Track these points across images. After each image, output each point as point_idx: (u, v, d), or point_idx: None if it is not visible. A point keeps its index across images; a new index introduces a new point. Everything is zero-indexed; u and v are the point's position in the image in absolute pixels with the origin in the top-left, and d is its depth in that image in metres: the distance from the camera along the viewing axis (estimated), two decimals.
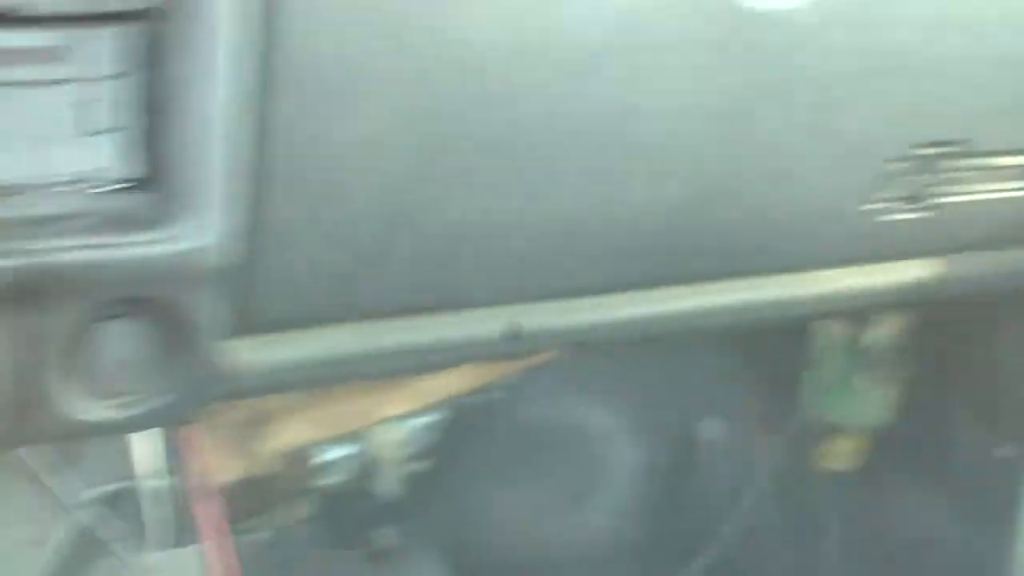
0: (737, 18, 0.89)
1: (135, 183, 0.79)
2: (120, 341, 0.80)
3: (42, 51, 0.75)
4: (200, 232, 0.77)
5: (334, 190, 0.84)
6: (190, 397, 0.83)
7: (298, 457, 1.27)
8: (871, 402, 1.48)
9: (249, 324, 0.84)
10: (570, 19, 0.84)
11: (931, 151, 1.02)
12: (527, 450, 1.52)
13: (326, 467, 1.33)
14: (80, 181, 0.79)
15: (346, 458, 1.34)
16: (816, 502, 1.54)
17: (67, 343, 0.78)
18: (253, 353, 0.87)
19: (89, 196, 0.80)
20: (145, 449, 1.03)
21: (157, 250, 0.77)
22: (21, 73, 0.74)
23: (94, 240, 0.76)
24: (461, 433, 1.39)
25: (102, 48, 0.76)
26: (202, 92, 0.75)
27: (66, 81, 0.76)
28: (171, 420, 0.84)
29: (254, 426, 1.21)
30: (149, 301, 0.79)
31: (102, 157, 0.79)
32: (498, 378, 1.28)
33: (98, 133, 0.79)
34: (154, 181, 0.79)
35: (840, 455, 1.51)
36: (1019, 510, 1.40)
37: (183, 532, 1.06)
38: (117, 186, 0.79)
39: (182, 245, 0.77)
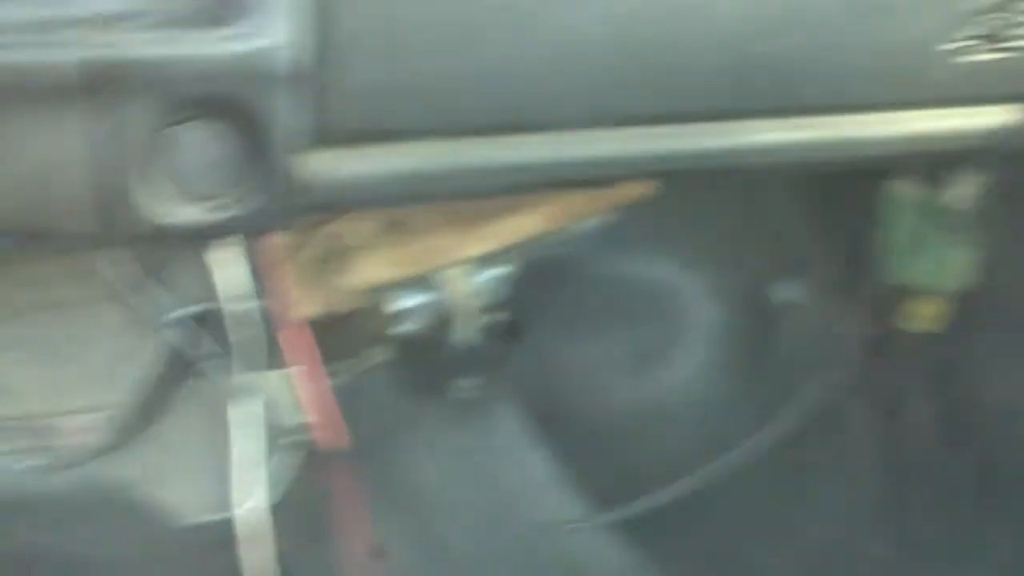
0: None
1: None
2: (199, 144, 0.81)
3: None
4: (268, 32, 0.77)
5: None
6: (270, 205, 0.83)
7: (375, 300, 1.28)
8: (950, 264, 1.45)
9: (327, 134, 0.84)
10: None
11: None
12: (601, 304, 1.51)
13: (402, 314, 1.34)
14: None
15: (422, 306, 1.35)
16: (899, 365, 1.52)
17: (144, 142, 0.79)
18: (332, 165, 0.86)
19: None
20: (230, 272, 1.05)
21: (227, 48, 0.77)
22: None
23: (165, 35, 0.77)
24: (536, 285, 1.39)
25: None
26: None
27: None
28: (252, 228, 0.85)
29: (332, 260, 1.22)
30: (224, 102, 0.79)
31: None
32: (574, 223, 1.27)
33: None
34: None
35: (922, 317, 1.49)
36: None
37: (268, 356, 1.07)
38: None
39: (251, 44, 0.77)
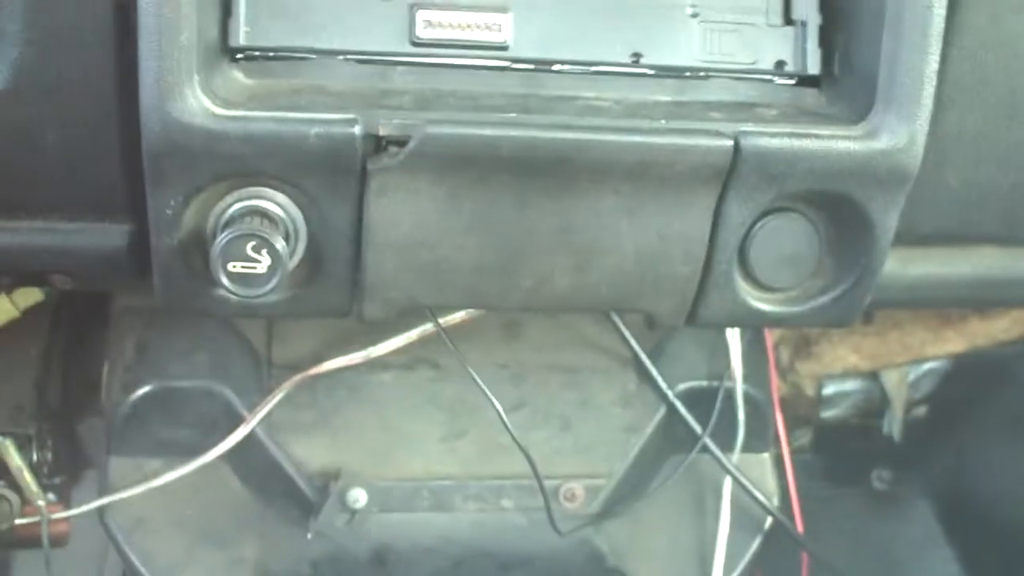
0: None
1: (809, 78, 0.79)
2: (794, 234, 0.80)
3: None
4: (900, 132, 0.76)
5: (1013, 104, 0.82)
6: (853, 299, 0.82)
7: (815, 384, 1.26)
8: None
9: (910, 233, 0.83)
10: None
11: None
12: None
13: (833, 399, 1.31)
14: (767, 71, 0.80)
15: (853, 392, 1.32)
16: None
17: (747, 229, 0.78)
18: (906, 262, 0.86)
19: (773, 86, 0.81)
20: (732, 350, 1.04)
21: (851, 146, 0.76)
22: None
23: (792, 129, 0.76)
24: (969, 384, 1.34)
25: None
26: None
27: None
28: (832, 320, 0.84)
29: (802, 345, 1.21)
30: (830, 197, 0.78)
31: (787, 49, 0.80)
32: None
33: (785, 25, 0.80)
34: (831, 77, 0.80)
35: None
36: None
37: (756, 437, 1.06)
38: (794, 80, 0.80)
39: (875, 144, 0.77)
